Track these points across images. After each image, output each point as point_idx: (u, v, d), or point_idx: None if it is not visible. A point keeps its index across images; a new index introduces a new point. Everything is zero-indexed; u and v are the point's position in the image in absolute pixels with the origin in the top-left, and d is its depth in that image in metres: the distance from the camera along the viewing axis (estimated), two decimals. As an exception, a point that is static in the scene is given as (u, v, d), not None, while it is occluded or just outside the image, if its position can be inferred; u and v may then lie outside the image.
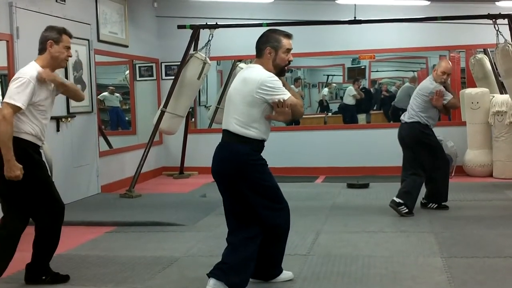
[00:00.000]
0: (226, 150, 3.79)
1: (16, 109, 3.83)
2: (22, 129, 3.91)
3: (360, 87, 13.33)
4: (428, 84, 6.28)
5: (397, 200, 6.07)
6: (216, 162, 3.83)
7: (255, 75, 3.74)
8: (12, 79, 3.99)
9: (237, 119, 3.73)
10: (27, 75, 3.90)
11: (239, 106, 3.73)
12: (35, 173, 3.96)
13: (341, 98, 14.84)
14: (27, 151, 3.93)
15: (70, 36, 4.15)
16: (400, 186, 6.20)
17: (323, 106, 14.34)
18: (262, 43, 3.84)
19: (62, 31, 4.10)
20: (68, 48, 4.12)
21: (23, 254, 4.09)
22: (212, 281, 3.69)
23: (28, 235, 4.07)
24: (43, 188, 4.03)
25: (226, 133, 3.80)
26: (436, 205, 6.34)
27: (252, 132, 3.72)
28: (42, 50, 4.07)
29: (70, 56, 4.21)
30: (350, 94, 13.05)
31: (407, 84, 12.70)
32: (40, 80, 3.94)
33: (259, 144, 3.78)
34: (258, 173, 3.78)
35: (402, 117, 6.40)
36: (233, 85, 3.87)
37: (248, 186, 3.75)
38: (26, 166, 3.90)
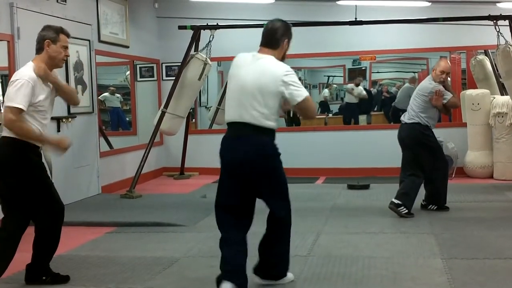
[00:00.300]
0: (247, 142, 3.73)
1: (18, 111, 3.82)
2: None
3: (358, 85, 13.33)
4: (427, 84, 6.27)
5: (396, 201, 6.07)
6: (236, 154, 3.74)
7: (275, 68, 3.72)
8: (10, 81, 3.97)
9: (259, 111, 3.68)
10: (26, 76, 3.89)
11: (259, 97, 3.68)
12: (34, 174, 3.97)
13: (342, 99, 14.87)
14: (26, 153, 3.94)
15: (68, 35, 4.13)
16: (399, 187, 6.20)
17: (325, 107, 14.34)
18: (280, 34, 3.81)
19: (60, 30, 4.08)
20: (66, 47, 4.09)
21: (23, 254, 4.08)
22: (229, 285, 3.69)
23: (28, 235, 4.07)
24: (42, 189, 4.03)
25: (243, 125, 3.72)
26: (436, 206, 6.33)
27: (272, 123, 3.74)
28: (39, 49, 4.05)
29: (68, 56, 4.19)
30: (361, 94, 13.08)
31: (407, 84, 12.71)
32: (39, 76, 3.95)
33: (275, 134, 3.81)
34: (278, 162, 3.80)
35: (402, 118, 6.39)
36: (246, 75, 3.73)
37: (267, 177, 3.77)
38: (25, 168, 3.91)
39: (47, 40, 4.01)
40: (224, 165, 3.84)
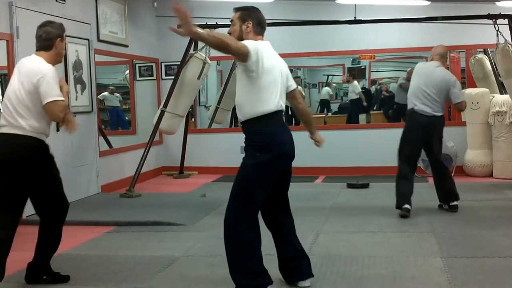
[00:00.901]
0: (289, 132, 3.81)
1: (62, 104, 3.88)
2: (37, 128, 3.90)
3: (349, 82, 13.37)
4: (449, 76, 6.22)
5: (410, 207, 6.00)
6: (289, 144, 3.77)
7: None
8: (38, 78, 3.86)
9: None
10: (52, 70, 3.92)
11: (286, 85, 3.86)
12: (50, 171, 4.01)
13: (341, 98, 14.86)
14: (45, 150, 3.97)
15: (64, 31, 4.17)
16: (401, 183, 6.09)
17: (326, 106, 14.34)
18: None
19: (63, 27, 4.10)
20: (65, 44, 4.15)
21: (23, 253, 4.09)
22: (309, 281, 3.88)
23: (28, 234, 4.06)
24: (55, 186, 4.06)
25: (281, 114, 3.76)
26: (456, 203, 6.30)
27: None
28: (49, 46, 4.00)
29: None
30: (356, 91, 13.06)
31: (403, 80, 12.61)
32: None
33: None
34: None
35: (425, 109, 6.06)
36: (280, 63, 3.80)
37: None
38: (45, 164, 3.95)
39: (59, 38, 4.01)
40: (279, 157, 3.71)
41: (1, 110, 3.99)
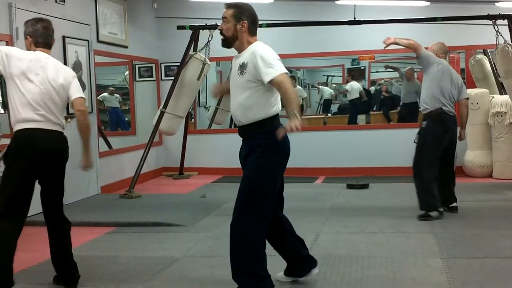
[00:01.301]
0: None
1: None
2: (64, 125, 3.97)
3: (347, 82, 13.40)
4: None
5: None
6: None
7: None
8: (72, 75, 3.99)
9: None
10: None
11: None
12: None
13: (341, 99, 14.87)
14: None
15: None
16: (435, 186, 5.96)
17: (327, 106, 14.34)
18: None
19: None
20: None
21: (24, 254, 4.08)
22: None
23: (29, 235, 4.05)
24: None
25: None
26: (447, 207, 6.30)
27: None
28: (51, 45, 3.99)
29: None
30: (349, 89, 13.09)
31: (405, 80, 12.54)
32: None
33: None
34: None
35: (451, 109, 6.03)
36: None
37: None
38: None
39: None
40: (287, 158, 3.77)
41: (33, 105, 3.79)
